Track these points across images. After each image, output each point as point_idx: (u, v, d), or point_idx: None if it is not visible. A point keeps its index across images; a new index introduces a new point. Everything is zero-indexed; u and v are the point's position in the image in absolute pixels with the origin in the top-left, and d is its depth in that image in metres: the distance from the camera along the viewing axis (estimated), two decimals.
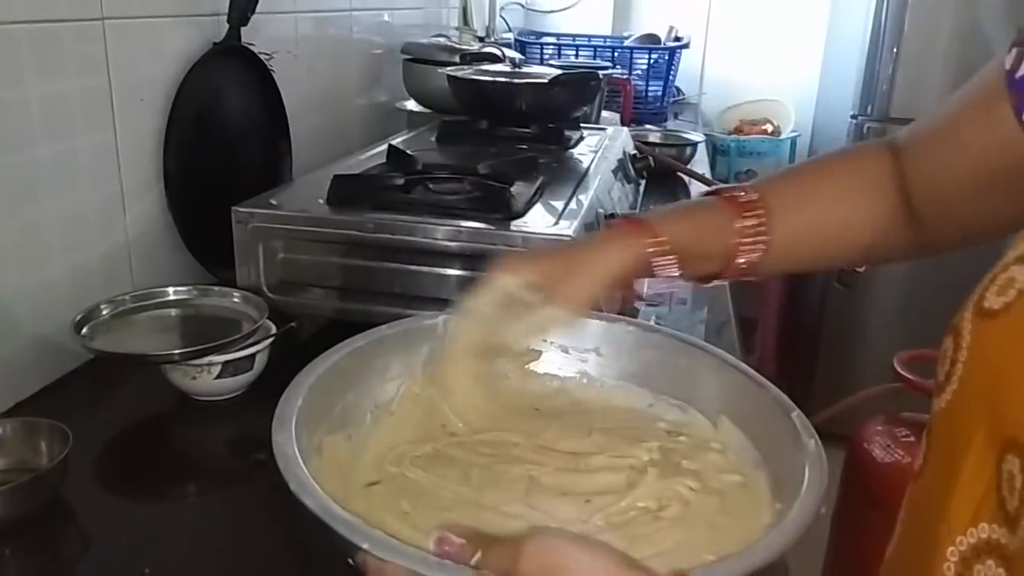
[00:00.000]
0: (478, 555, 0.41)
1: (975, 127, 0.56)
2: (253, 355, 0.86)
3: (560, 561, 0.39)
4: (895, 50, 2.38)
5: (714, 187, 0.67)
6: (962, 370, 0.47)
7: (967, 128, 0.57)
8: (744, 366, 0.64)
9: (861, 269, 2.46)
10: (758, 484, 0.56)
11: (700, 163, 1.97)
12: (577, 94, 1.48)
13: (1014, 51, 0.53)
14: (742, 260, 0.63)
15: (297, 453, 0.50)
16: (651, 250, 0.61)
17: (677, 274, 0.62)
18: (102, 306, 0.88)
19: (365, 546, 0.41)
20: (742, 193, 0.64)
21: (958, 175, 0.59)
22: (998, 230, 0.58)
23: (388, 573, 0.42)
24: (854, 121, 2.52)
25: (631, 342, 0.69)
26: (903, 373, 1.69)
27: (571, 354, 0.70)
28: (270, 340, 0.88)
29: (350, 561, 0.43)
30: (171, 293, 0.94)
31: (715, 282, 0.66)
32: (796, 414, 0.57)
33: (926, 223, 0.63)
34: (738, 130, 3.07)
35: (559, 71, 1.47)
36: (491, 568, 0.40)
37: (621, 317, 0.73)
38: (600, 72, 1.71)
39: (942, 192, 0.61)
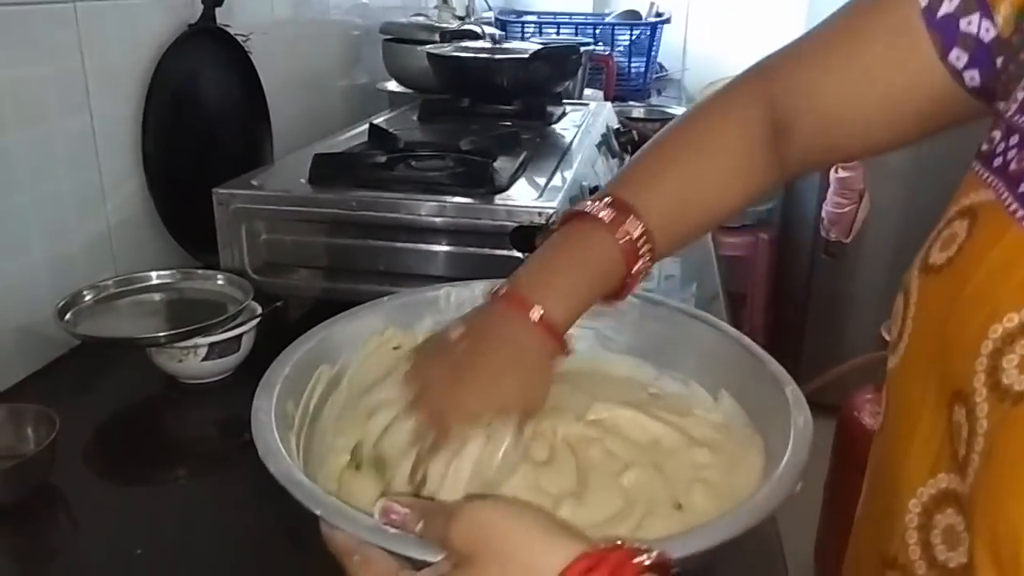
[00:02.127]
0: (421, 524, 0.41)
1: (883, 59, 0.55)
2: (239, 336, 0.85)
3: (488, 532, 0.39)
4: None
5: (591, 202, 0.59)
6: (912, 327, 0.48)
7: (872, 59, 0.56)
8: (746, 339, 0.63)
9: (847, 240, 2.47)
10: (752, 457, 0.56)
11: None
12: (558, 68, 1.47)
13: None
14: (635, 274, 0.59)
15: (272, 419, 0.50)
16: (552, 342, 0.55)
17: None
18: (85, 292, 0.88)
19: (318, 512, 0.42)
20: (627, 224, 0.57)
21: (863, 107, 0.57)
22: (899, 147, 0.58)
23: (339, 540, 0.42)
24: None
25: (636, 315, 0.68)
26: (889, 338, 1.70)
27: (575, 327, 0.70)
28: (256, 321, 0.87)
29: None
30: (154, 277, 0.93)
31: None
32: (791, 388, 0.57)
33: (803, 146, 0.61)
34: None
35: (539, 47, 1.46)
36: (429, 537, 0.40)
37: None
38: (581, 48, 1.70)
39: (838, 123, 0.59)
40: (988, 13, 0.49)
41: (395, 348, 0.65)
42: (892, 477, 0.49)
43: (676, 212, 0.60)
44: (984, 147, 0.47)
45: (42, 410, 0.71)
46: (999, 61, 0.49)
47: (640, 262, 0.58)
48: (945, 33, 0.51)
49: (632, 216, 0.57)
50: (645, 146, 0.64)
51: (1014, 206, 0.42)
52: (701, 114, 0.64)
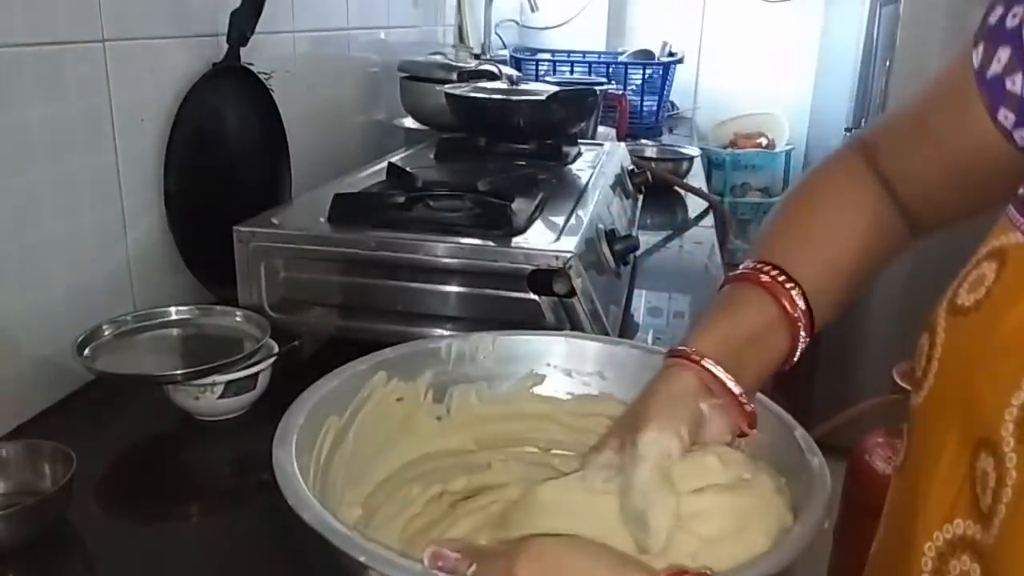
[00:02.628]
0: (473, 567, 0.40)
1: (948, 124, 0.57)
2: (256, 374, 0.86)
3: (559, 562, 0.38)
4: (888, 63, 2.40)
5: (736, 274, 0.60)
6: (937, 367, 0.48)
7: (940, 125, 0.58)
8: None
9: None
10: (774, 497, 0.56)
11: (696, 177, 1.98)
12: (575, 110, 1.49)
13: (980, 47, 0.53)
14: (802, 341, 0.58)
15: (296, 470, 0.50)
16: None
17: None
18: (104, 326, 0.88)
19: (362, 559, 0.41)
20: (767, 275, 0.58)
21: (936, 169, 0.59)
22: (984, 212, 0.58)
23: None
24: (848, 134, 2.54)
25: (634, 364, 0.68)
26: (902, 384, 1.69)
27: (574, 377, 0.70)
28: (273, 359, 0.88)
29: None
30: (173, 313, 0.94)
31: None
32: (800, 433, 0.57)
33: (913, 212, 0.63)
34: (733, 144, 3.09)
35: (556, 87, 1.48)
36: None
37: (622, 340, 0.74)
38: (596, 88, 1.72)
39: (923, 185, 0.61)
40: None
41: (398, 400, 0.65)
42: (909, 518, 0.48)
43: (828, 281, 0.59)
44: (1021, 191, 0.47)
45: (59, 447, 0.71)
46: None
47: (804, 334, 0.57)
48: (993, 93, 0.52)
49: (793, 285, 0.57)
50: (772, 218, 0.64)
51: None
52: (817, 182, 0.66)
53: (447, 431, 0.67)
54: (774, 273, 0.57)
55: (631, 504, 0.47)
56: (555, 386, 0.70)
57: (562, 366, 0.70)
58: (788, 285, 0.57)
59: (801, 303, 0.56)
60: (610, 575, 0.38)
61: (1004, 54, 0.51)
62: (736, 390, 0.53)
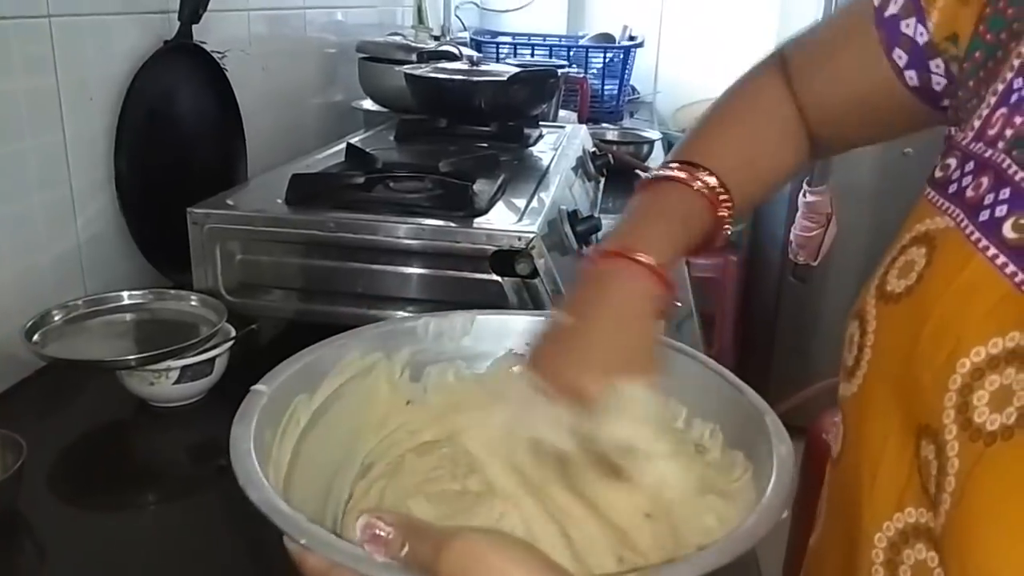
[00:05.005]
0: (406, 548, 0.38)
1: (850, 58, 0.59)
2: (212, 359, 0.84)
3: (480, 567, 0.36)
4: None
5: (661, 169, 0.62)
6: (871, 355, 0.48)
7: (841, 59, 0.60)
8: (723, 369, 0.64)
9: (815, 263, 2.50)
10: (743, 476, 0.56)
11: (657, 160, 1.99)
12: (536, 92, 1.48)
13: None
14: (720, 218, 0.60)
15: (252, 449, 0.48)
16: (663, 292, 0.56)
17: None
18: (54, 312, 0.86)
19: (303, 542, 0.40)
20: (698, 181, 0.60)
21: (837, 98, 0.61)
22: (884, 140, 0.64)
23: (310, 563, 0.40)
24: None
25: None
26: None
27: None
28: (229, 343, 0.86)
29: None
30: (126, 298, 0.92)
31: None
32: (771, 418, 0.57)
33: (816, 134, 0.65)
34: None
35: (518, 69, 1.47)
36: (412, 562, 0.38)
37: None
38: (558, 70, 1.71)
39: (825, 112, 0.63)
40: (922, 18, 0.52)
41: (373, 380, 0.64)
42: (854, 509, 0.48)
43: (741, 171, 0.62)
44: (938, 174, 0.48)
45: (8, 435, 0.69)
46: (932, 64, 0.52)
47: (723, 208, 0.59)
48: (889, 32, 0.54)
49: (705, 171, 0.59)
50: (697, 121, 0.67)
51: (976, 235, 0.42)
52: (740, 91, 0.68)
53: (423, 416, 0.66)
54: (682, 166, 0.60)
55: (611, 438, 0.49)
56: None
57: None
58: (697, 171, 0.59)
59: (712, 180, 0.59)
60: None
61: None
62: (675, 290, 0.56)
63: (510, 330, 0.70)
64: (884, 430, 0.45)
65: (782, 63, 0.66)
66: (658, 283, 0.54)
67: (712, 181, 0.59)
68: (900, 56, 0.54)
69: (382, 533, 0.38)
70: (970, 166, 0.45)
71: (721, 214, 0.59)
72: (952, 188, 0.46)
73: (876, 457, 0.46)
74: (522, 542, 0.43)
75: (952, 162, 0.47)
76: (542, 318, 0.69)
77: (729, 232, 0.61)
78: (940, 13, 0.51)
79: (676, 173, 0.59)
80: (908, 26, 0.53)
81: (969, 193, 0.44)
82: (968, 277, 0.42)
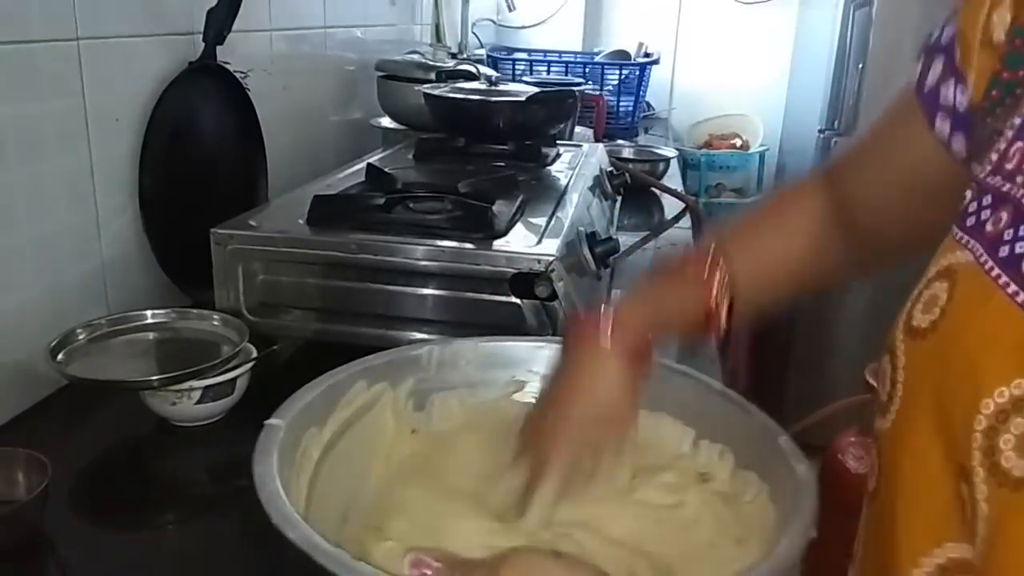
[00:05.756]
0: None
1: (897, 142, 0.59)
2: (234, 379, 0.84)
3: (540, 572, 0.38)
4: (860, 66, 2.43)
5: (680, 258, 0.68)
6: (903, 391, 0.48)
7: (890, 144, 0.60)
8: (730, 392, 0.64)
9: None
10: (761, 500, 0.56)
11: (672, 178, 1.99)
12: (554, 111, 1.49)
13: (920, 62, 0.56)
14: (721, 316, 0.64)
15: (279, 487, 0.49)
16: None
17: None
18: (78, 330, 0.87)
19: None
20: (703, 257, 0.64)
21: (888, 190, 0.61)
22: (931, 241, 0.60)
23: None
24: (821, 135, 2.56)
25: None
26: (874, 384, 1.71)
27: None
28: (251, 364, 0.86)
29: None
30: (149, 316, 0.92)
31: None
32: (784, 439, 0.57)
33: (866, 240, 0.65)
34: (707, 144, 3.11)
35: (536, 88, 1.47)
36: None
37: None
38: (575, 89, 1.72)
39: (877, 209, 0.63)
40: (960, 79, 0.51)
41: (380, 413, 0.64)
42: (890, 543, 0.48)
43: (763, 278, 0.66)
44: (960, 208, 0.48)
45: (33, 455, 0.70)
46: (976, 127, 0.51)
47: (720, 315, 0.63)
48: (929, 103, 0.54)
49: (723, 262, 0.63)
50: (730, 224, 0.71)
51: (996, 271, 0.42)
52: (776, 201, 0.72)
53: (425, 448, 0.66)
54: (712, 260, 0.63)
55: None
56: (535, 392, 0.70)
57: (544, 372, 0.70)
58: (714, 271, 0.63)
59: (725, 301, 0.63)
60: None
61: (938, 65, 0.53)
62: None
63: (513, 357, 0.71)
64: (920, 465, 0.45)
65: (826, 171, 0.68)
66: (629, 357, 0.60)
67: (725, 301, 0.63)
68: (943, 124, 0.54)
69: (429, 572, 0.39)
70: (987, 200, 0.45)
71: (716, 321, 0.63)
72: (970, 221, 0.46)
73: (913, 493, 0.46)
74: (574, 557, 0.43)
75: (968, 194, 0.47)
76: (544, 344, 0.70)
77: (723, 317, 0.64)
78: (976, 72, 0.50)
79: (692, 259, 0.64)
80: (947, 91, 0.53)
81: (988, 228, 0.44)
82: (989, 315, 0.42)
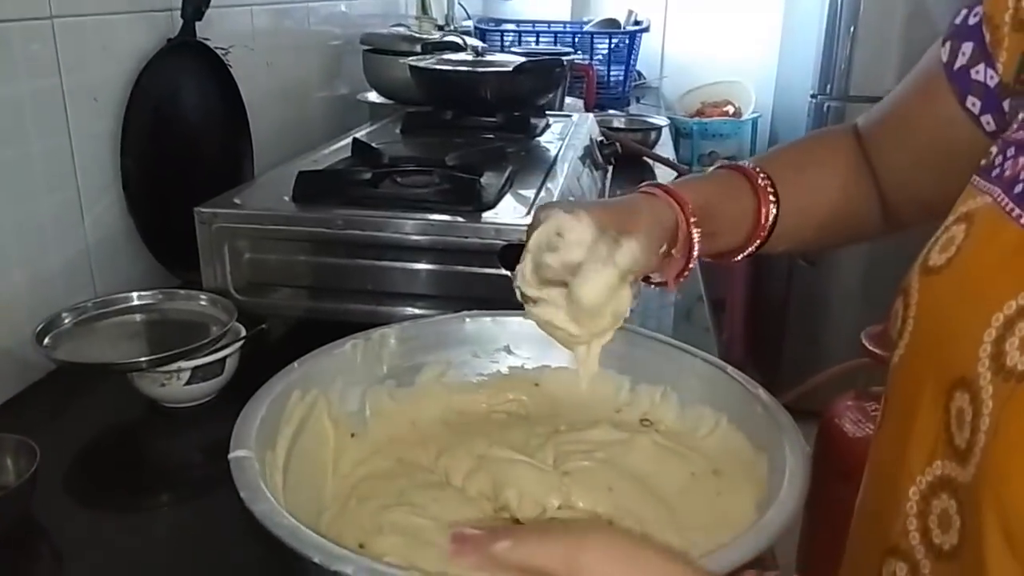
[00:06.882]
0: (505, 543, 0.36)
1: (923, 114, 0.62)
2: (223, 359, 0.84)
3: (631, 552, 0.36)
4: (852, 29, 2.40)
5: (719, 164, 0.69)
6: (912, 325, 0.50)
7: (916, 115, 0.64)
8: (730, 368, 0.63)
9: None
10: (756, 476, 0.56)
11: (665, 147, 1.98)
12: (542, 81, 1.47)
13: (948, 45, 0.59)
14: (763, 231, 0.65)
15: (260, 481, 0.48)
16: (690, 219, 0.60)
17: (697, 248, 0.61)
18: (64, 314, 0.86)
19: (349, 570, 0.40)
20: (754, 172, 0.66)
21: (913, 157, 0.65)
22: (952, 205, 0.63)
23: None
24: (813, 101, 2.55)
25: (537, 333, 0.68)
26: (871, 348, 1.71)
27: (481, 357, 0.70)
28: (240, 343, 0.86)
29: None
30: (135, 298, 0.91)
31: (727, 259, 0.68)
32: (732, 370, 0.58)
33: (890, 201, 0.69)
34: (700, 112, 3.09)
35: (523, 58, 1.46)
36: (542, 559, 0.35)
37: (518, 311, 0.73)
38: (563, 58, 1.70)
39: (902, 174, 0.67)
40: (991, 63, 0.55)
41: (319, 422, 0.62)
42: (893, 468, 0.51)
43: (794, 215, 0.67)
44: (983, 162, 0.51)
45: (22, 440, 0.69)
46: (1006, 104, 0.54)
47: (770, 199, 0.65)
48: (960, 83, 0.58)
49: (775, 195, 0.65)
50: (766, 153, 0.73)
51: (1010, 206, 0.45)
52: (813, 141, 0.76)
53: (369, 448, 0.63)
54: (764, 176, 0.65)
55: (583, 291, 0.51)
56: (463, 372, 0.69)
57: (469, 347, 0.69)
58: (770, 192, 0.65)
59: (774, 210, 0.65)
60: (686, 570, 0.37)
61: (968, 48, 0.57)
62: (695, 252, 0.60)
63: (436, 338, 0.69)
64: (918, 391, 0.48)
65: (854, 131, 0.71)
66: (680, 213, 0.60)
67: (774, 210, 0.65)
68: (974, 104, 0.57)
69: (473, 537, 0.37)
70: (1011, 151, 0.48)
71: (764, 210, 0.65)
72: (994, 172, 0.49)
73: (911, 417, 0.49)
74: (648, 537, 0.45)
75: (994, 150, 0.50)
76: (469, 318, 0.69)
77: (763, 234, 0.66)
78: (1007, 53, 0.53)
79: (752, 172, 0.66)
80: (978, 72, 0.56)
81: (1007, 174, 0.47)
82: (1002, 243, 0.45)
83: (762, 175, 0.65)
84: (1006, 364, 0.41)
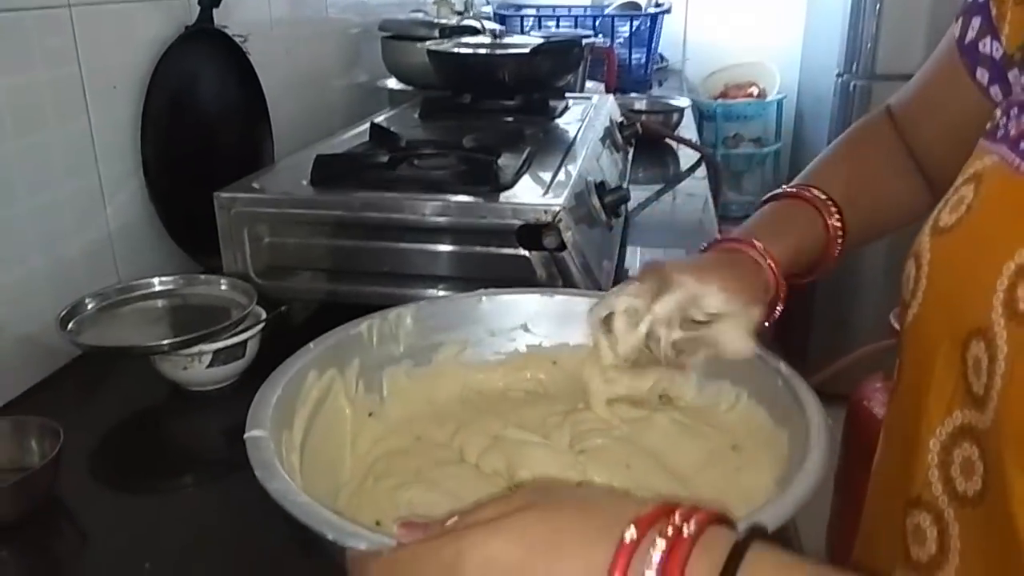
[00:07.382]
0: (453, 519, 0.38)
1: (946, 89, 0.65)
2: (244, 342, 0.84)
3: (560, 485, 0.41)
4: (878, 6, 2.36)
5: (775, 192, 0.70)
6: (926, 284, 0.52)
7: (940, 91, 0.66)
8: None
9: None
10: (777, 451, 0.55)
11: (687, 129, 1.96)
12: (560, 62, 1.46)
13: (959, 20, 0.61)
14: (831, 260, 0.67)
15: (276, 460, 0.48)
16: (780, 280, 0.62)
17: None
18: (87, 300, 0.86)
19: (363, 546, 0.40)
20: (808, 193, 0.67)
21: (941, 133, 0.67)
22: None
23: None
24: (840, 80, 2.50)
25: (557, 311, 0.69)
26: (899, 328, 1.69)
27: (497, 336, 0.69)
28: (261, 326, 0.86)
29: None
30: (157, 284, 0.92)
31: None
32: (804, 389, 0.56)
33: (932, 178, 0.70)
34: (723, 95, 3.05)
35: (541, 41, 1.44)
36: (480, 516, 0.36)
37: (539, 289, 0.74)
38: (583, 41, 1.69)
39: (934, 150, 0.69)
40: (996, 35, 0.57)
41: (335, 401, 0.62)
42: (912, 423, 0.52)
43: (851, 206, 0.68)
44: (988, 126, 0.52)
45: (46, 422, 0.70)
46: (1010, 76, 0.56)
47: (834, 220, 0.66)
48: (970, 56, 0.60)
49: (817, 190, 0.67)
50: (815, 163, 0.74)
51: (1017, 162, 0.46)
52: (852, 136, 0.76)
53: (386, 427, 0.63)
54: (818, 193, 0.67)
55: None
56: (480, 351, 0.69)
57: (485, 326, 0.69)
58: (831, 205, 0.66)
59: (838, 223, 0.66)
60: (622, 498, 0.39)
61: (976, 22, 0.59)
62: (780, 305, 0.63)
63: (451, 316, 0.68)
64: (935, 345, 0.49)
65: (889, 114, 0.73)
66: (768, 270, 0.61)
67: (838, 223, 0.66)
68: (983, 75, 0.59)
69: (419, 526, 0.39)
70: (1014, 111, 0.49)
71: (832, 223, 0.66)
72: (999, 134, 0.50)
73: (929, 370, 0.50)
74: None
75: (998, 112, 0.51)
76: (485, 297, 0.69)
77: (839, 245, 0.67)
78: (1010, 26, 0.55)
79: (810, 195, 0.67)
80: (985, 45, 0.58)
81: (1012, 133, 0.48)
82: (1012, 196, 0.46)
83: (836, 214, 0.66)
84: (1019, 309, 0.42)
